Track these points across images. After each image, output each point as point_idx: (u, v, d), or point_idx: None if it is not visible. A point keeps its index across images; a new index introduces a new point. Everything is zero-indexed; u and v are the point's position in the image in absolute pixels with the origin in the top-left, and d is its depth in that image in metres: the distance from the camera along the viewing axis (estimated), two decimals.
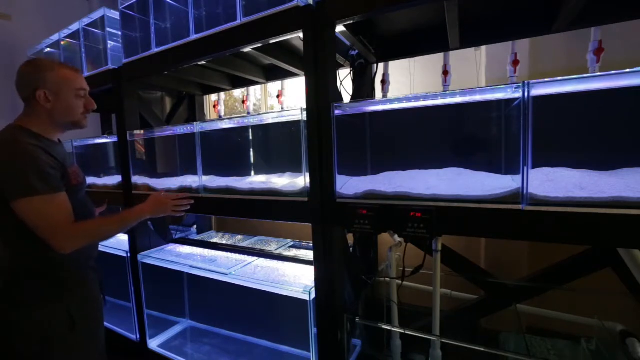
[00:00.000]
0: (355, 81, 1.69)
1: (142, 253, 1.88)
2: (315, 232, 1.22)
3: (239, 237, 2.35)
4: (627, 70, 0.77)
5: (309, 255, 1.76)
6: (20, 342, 1.03)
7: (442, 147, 1.14)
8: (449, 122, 1.12)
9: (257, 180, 1.44)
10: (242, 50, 1.36)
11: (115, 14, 1.84)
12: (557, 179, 0.88)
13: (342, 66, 1.70)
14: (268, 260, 1.74)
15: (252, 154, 1.57)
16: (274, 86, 2.60)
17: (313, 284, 1.29)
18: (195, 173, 1.57)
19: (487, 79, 1.87)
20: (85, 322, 1.13)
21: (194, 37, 1.44)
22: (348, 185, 1.18)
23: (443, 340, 1.34)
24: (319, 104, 1.16)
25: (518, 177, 0.89)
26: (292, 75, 2.00)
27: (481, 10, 1.38)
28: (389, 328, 1.43)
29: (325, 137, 1.16)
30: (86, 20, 1.92)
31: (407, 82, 2.01)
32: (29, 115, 1.06)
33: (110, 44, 1.84)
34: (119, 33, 1.75)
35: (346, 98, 1.58)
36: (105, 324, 2.14)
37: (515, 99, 0.89)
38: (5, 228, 1.03)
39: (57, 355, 1.06)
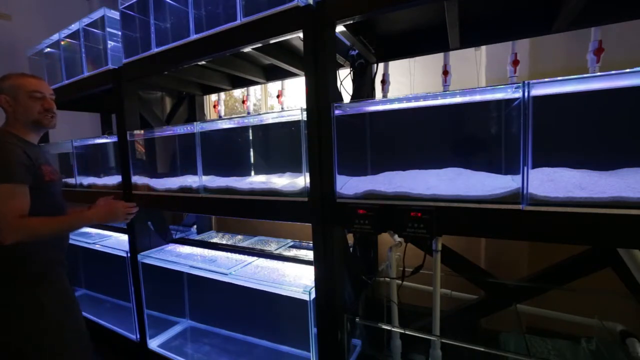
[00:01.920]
0: (355, 81, 1.69)
1: (142, 253, 1.88)
2: (315, 232, 1.22)
3: (239, 237, 2.35)
4: (627, 70, 0.77)
5: (309, 255, 1.75)
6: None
7: (442, 147, 1.14)
8: (449, 122, 1.12)
9: (257, 180, 1.44)
10: (242, 50, 1.36)
11: (115, 14, 1.84)
12: (557, 179, 0.88)
13: (342, 66, 1.70)
14: (268, 260, 1.74)
15: (252, 154, 1.57)
16: (274, 86, 2.61)
17: (313, 284, 1.29)
18: (195, 173, 1.57)
19: (487, 79, 1.87)
20: (58, 311, 1.22)
21: (194, 37, 1.44)
22: (348, 185, 1.18)
23: (443, 340, 1.34)
24: (319, 104, 1.16)
25: (518, 177, 0.89)
26: (292, 75, 2.00)
27: (481, 10, 1.38)
28: (389, 328, 1.43)
29: (325, 137, 1.16)
30: (86, 20, 1.92)
31: (407, 82, 2.01)
32: (7, 120, 1.26)
33: (110, 44, 1.84)
34: (119, 33, 1.75)
35: (346, 98, 1.58)
36: (105, 323, 2.16)
37: (515, 99, 0.89)
38: None
39: (30, 340, 1.15)
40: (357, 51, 1.57)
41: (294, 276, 1.49)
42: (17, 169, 1.11)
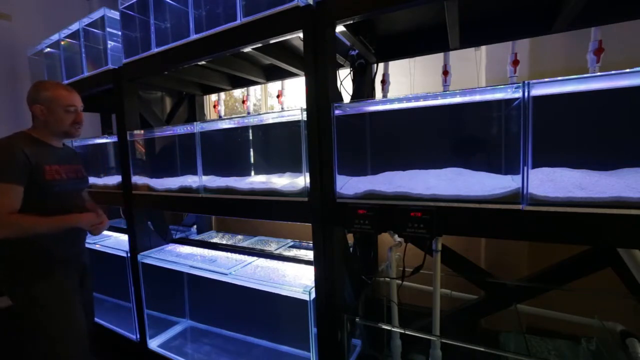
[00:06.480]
0: (355, 81, 1.69)
1: (142, 253, 1.88)
2: (315, 232, 1.22)
3: (239, 237, 2.35)
4: (627, 70, 0.77)
5: (309, 255, 1.76)
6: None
7: (442, 147, 1.14)
8: (449, 122, 1.12)
9: (257, 180, 1.44)
10: (242, 50, 1.36)
11: (115, 14, 1.84)
12: (557, 179, 0.87)
13: (342, 66, 1.70)
14: (268, 260, 1.74)
15: (252, 154, 1.57)
16: (274, 86, 2.61)
17: (313, 284, 1.29)
18: (195, 173, 1.57)
19: (487, 79, 1.87)
20: (50, 312, 1.24)
21: (194, 37, 1.44)
22: (348, 185, 1.18)
23: (443, 340, 1.34)
24: (319, 104, 1.16)
25: (518, 177, 0.89)
26: (292, 75, 2.00)
27: (481, 10, 1.38)
28: (389, 328, 1.43)
29: (325, 137, 1.16)
30: (86, 20, 1.92)
31: (407, 82, 2.01)
32: (34, 124, 1.33)
33: (110, 44, 1.84)
34: (119, 33, 1.75)
35: (346, 98, 1.58)
36: (105, 323, 2.16)
37: (515, 99, 0.89)
38: None
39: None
40: (357, 51, 1.57)
41: (294, 276, 1.49)
42: (10, 169, 1.16)
